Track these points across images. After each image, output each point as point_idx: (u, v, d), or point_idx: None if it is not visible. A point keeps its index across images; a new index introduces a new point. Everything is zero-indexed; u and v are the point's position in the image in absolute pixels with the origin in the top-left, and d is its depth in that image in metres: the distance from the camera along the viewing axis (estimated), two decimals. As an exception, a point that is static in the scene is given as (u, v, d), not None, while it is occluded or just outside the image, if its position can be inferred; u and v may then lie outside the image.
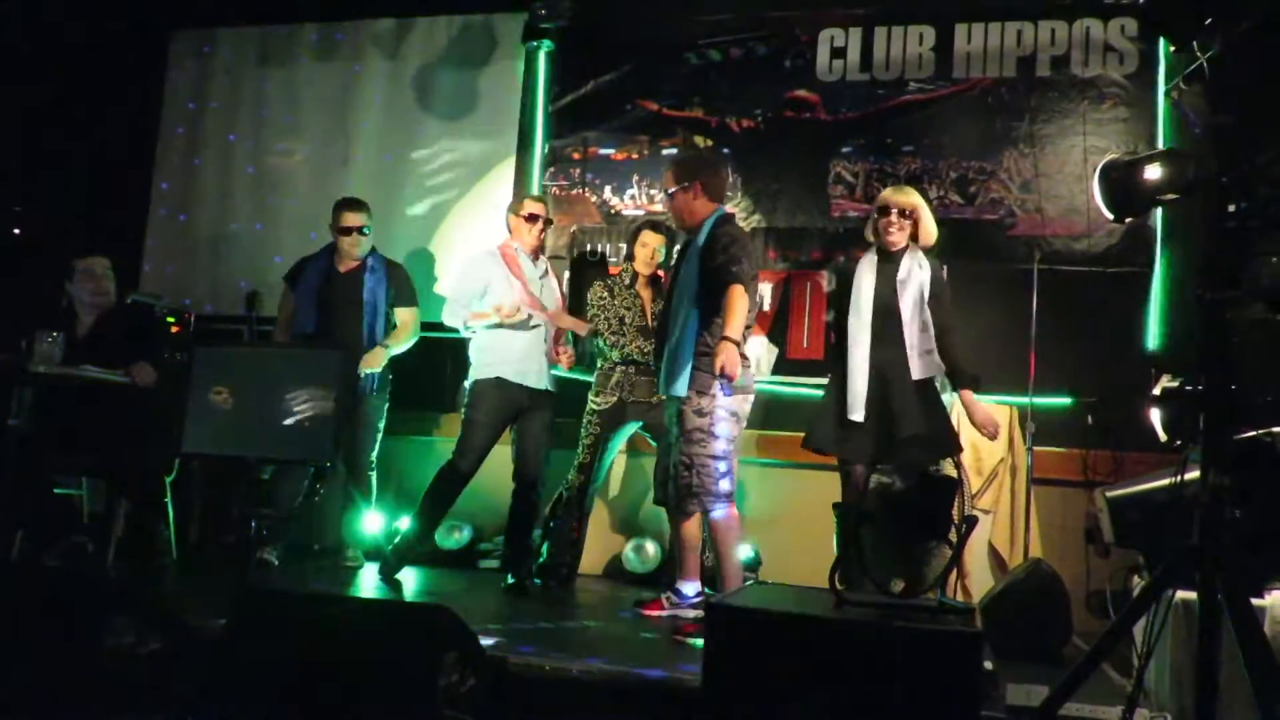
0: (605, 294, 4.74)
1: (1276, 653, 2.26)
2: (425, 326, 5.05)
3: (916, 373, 3.82)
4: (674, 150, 5.49)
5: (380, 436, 4.90)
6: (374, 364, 4.77)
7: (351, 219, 4.87)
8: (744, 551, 4.65)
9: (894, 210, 3.92)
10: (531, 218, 4.64)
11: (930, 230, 3.99)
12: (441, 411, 5.49)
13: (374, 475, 4.89)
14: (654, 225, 4.75)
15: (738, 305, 3.70)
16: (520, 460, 4.61)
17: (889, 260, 3.94)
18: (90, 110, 6.03)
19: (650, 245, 4.67)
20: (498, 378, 4.51)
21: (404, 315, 4.98)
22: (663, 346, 3.92)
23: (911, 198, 3.97)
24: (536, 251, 4.72)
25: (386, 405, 4.93)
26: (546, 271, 4.77)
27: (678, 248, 4.16)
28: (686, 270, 3.88)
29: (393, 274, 4.98)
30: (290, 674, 2.57)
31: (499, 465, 4.66)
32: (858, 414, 3.80)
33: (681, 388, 3.75)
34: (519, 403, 4.56)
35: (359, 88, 5.97)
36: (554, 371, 4.68)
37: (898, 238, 3.92)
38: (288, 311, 4.94)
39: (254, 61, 6.14)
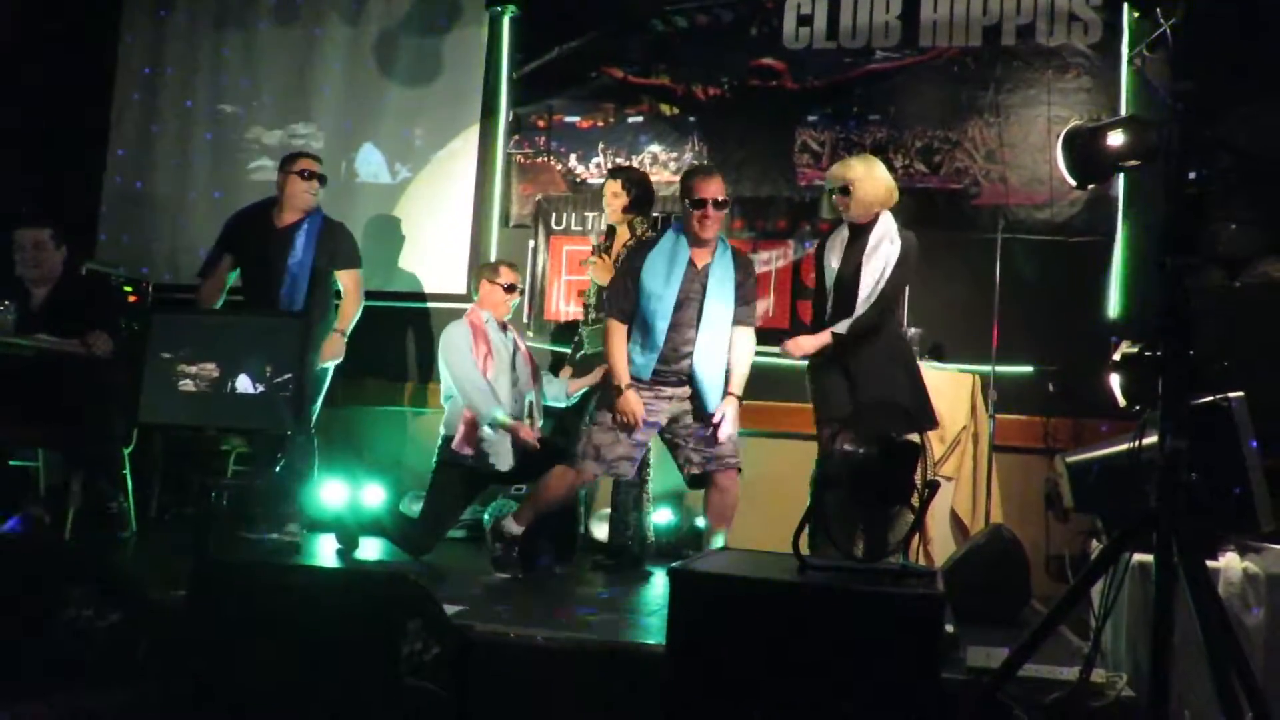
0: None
1: (1229, 614, 2.30)
2: (388, 295, 4.93)
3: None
4: (639, 118, 5.45)
5: (319, 406, 4.57)
6: (336, 354, 4.51)
7: (313, 164, 4.53)
8: (665, 516, 4.78)
9: (836, 189, 3.85)
10: (511, 288, 4.38)
11: (870, 194, 3.81)
12: (405, 381, 5.48)
13: (314, 443, 4.56)
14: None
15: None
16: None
17: (857, 235, 3.86)
18: (42, 76, 5.88)
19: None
20: (467, 465, 4.22)
21: (346, 280, 4.57)
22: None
23: (847, 170, 3.84)
24: (504, 322, 4.42)
25: (329, 372, 4.60)
26: (514, 341, 4.42)
27: (679, 255, 3.87)
28: (720, 289, 3.87)
29: (330, 234, 4.56)
30: (252, 644, 2.55)
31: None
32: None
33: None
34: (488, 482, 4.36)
35: (319, 53, 5.86)
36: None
37: (850, 214, 3.85)
38: (224, 271, 4.61)
39: (211, 25, 6.01)
